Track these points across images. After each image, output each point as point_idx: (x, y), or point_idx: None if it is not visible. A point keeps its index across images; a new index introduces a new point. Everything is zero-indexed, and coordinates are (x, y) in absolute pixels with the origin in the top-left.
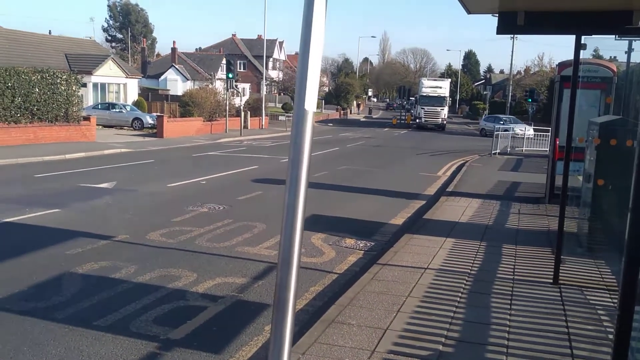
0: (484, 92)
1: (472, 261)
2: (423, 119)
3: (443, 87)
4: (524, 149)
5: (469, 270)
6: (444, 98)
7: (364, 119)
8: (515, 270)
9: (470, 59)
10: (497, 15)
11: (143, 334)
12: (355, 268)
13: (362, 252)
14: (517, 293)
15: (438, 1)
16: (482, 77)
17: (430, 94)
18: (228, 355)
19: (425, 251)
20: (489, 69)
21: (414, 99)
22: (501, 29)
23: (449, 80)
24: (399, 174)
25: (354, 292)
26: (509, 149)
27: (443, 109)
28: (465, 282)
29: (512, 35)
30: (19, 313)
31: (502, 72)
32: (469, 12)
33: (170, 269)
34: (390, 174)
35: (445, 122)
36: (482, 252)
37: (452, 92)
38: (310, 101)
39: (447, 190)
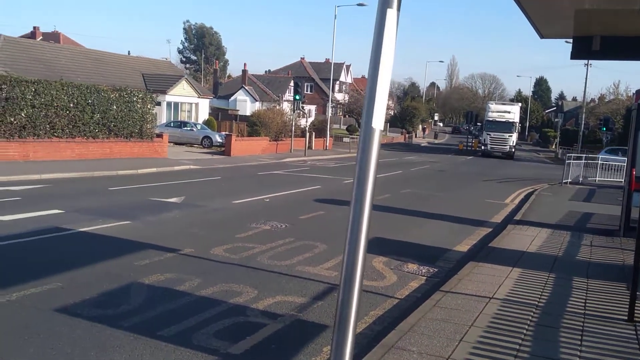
0: (555, 120)
1: (540, 293)
2: (489, 146)
3: (512, 112)
4: (596, 178)
5: (536, 302)
6: (512, 124)
7: (425, 144)
8: (587, 304)
9: (541, 85)
10: (571, 40)
11: (204, 346)
12: (417, 294)
13: (425, 278)
14: (588, 329)
15: (509, 26)
16: (554, 104)
17: (498, 119)
18: None
19: (490, 280)
20: (561, 96)
21: (480, 124)
22: (575, 54)
23: (519, 105)
24: (464, 200)
25: (415, 318)
26: (580, 179)
27: (511, 136)
28: (532, 314)
29: (586, 62)
30: (89, 319)
31: (574, 99)
32: (542, 36)
33: (232, 284)
34: (455, 199)
35: (513, 149)
36: (550, 283)
37: (522, 119)
38: (378, 119)
39: (514, 218)
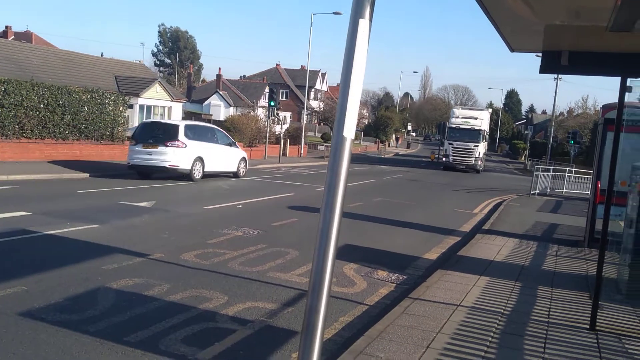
0: (525, 132)
1: (506, 301)
2: (451, 157)
3: (479, 118)
4: (564, 190)
5: (502, 310)
6: (479, 132)
7: (395, 157)
8: (551, 313)
9: (512, 97)
10: (540, 54)
11: (171, 352)
12: (386, 301)
13: (394, 285)
14: (551, 337)
15: (481, 39)
16: (524, 117)
17: (462, 126)
18: None
19: (458, 288)
20: (531, 109)
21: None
22: (544, 68)
23: (488, 111)
24: (434, 209)
25: (384, 324)
26: (548, 190)
27: (477, 146)
28: (498, 322)
29: (555, 76)
30: (53, 323)
31: (544, 112)
32: (512, 50)
33: (202, 290)
34: (426, 208)
35: (480, 162)
36: (516, 292)
37: (492, 130)
38: (349, 128)
39: (483, 228)
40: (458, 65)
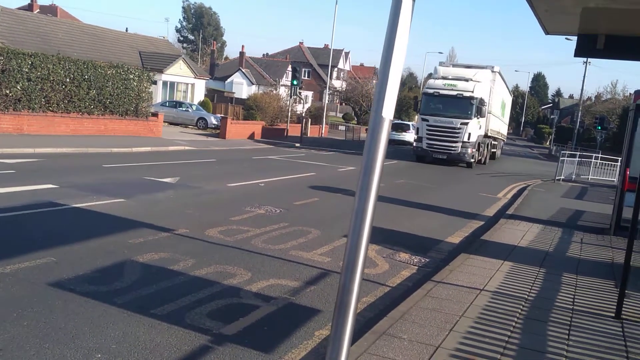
0: (551, 116)
1: (529, 287)
2: (424, 142)
3: (473, 80)
4: (589, 177)
5: (526, 296)
6: (470, 101)
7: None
8: (575, 300)
9: (538, 81)
10: (570, 37)
11: (197, 326)
12: (408, 283)
13: (416, 267)
14: (576, 324)
15: (509, 20)
16: (550, 101)
17: (443, 92)
18: (277, 356)
19: (481, 272)
20: (558, 93)
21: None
22: (579, 52)
23: (492, 70)
24: (457, 192)
25: (407, 306)
26: (573, 176)
27: (466, 124)
28: (521, 307)
29: (585, 60)
30: (82, 294)
31: (571, 97)
32: (546, 32)
33: (226, 266)
34: (449, 191)
35: (472, 149)
36: (540, 278)
37: (517, 114)
38: (388, 109)
39: (506, 212)
40: (484, 46)
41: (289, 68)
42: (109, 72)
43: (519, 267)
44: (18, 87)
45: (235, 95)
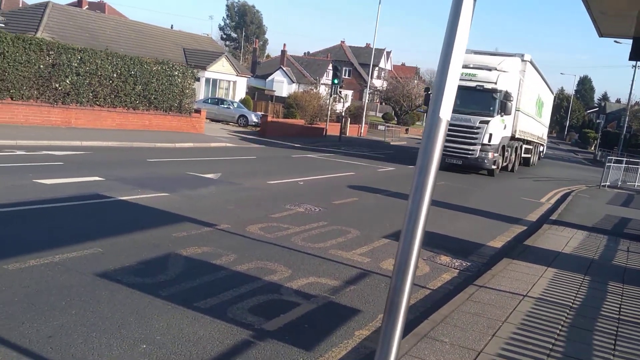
0: (597, 121)
1: (574, 294)
2: None
3: (498, 70)
4: (636, 184)
5: (570, 304)
6: (492, 95)
7: None
8: (622, 310)
9: (585, 84)
10: (620, 40)
11: (239, 320)
12: (449, 286)
13: (457, 271)
14: (622, 334)
15: (556, 21)
16: (596, 105)
17: (460, 83)
18: (318, 354)
19: (524, 278)
20: (604, 97)
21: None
22: (634, 55)
23: (516, 58)
24: (499, 195)
25: (448, 310)
26: (619, 183)
27: (487, 122)
28: (566, 315)
29: (633, 64)
30: (128, 285)
31: (618, 101)
32: (600, 34)
33: (267, 262)
34: (490, 194)
35: (494, 154)
36: (585, 286)
37: (562, 118)
38: (446, 109)
39: (550, 218)
40: (528, 47)
41: (330, 67)
42: (154, 68)
43: (563, 274)
44: (67, 82)
45: (276, 94)
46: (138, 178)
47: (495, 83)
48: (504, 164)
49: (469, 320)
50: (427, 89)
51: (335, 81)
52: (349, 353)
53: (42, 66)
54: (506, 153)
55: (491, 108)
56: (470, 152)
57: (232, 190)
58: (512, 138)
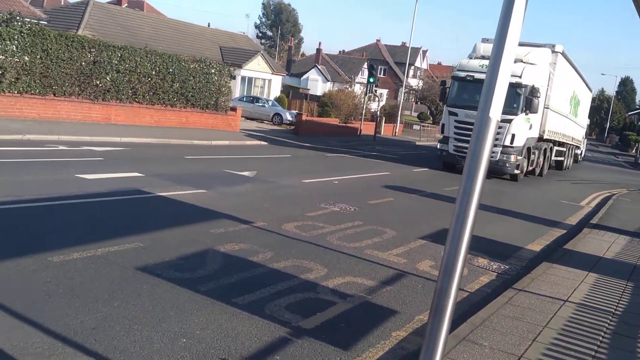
0: (638, 123)
1: (617, 301)
2: (452, 144)
3: (521, 63)
4: None
5: (613, 310)
6: (515, 90)
7: None
8: None
9: (626, 85)
10: None
11: (276, 318)
12: (487, 289)
13: (495, 274)
14: None
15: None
16: (638, 107)
17: (480, 76)
18: (355, 353)
19: (564, 282)
20: None
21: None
22: None
23: (545, 49)
24: (537, 198)
25: (487, 313)
26: None
27: (509, 122)
28: (609, 321)
29: None
30: (168, 280)
31: None
32: None
33: (303, 260)
34: (528, 197)
35: (516, 157)
36: (628, 292)
37: (602, 119)
38: (496, 109)
39: (590, 222)
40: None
41: (365, 65)
42: (191, 66)
43: (605, 279)
44: (107, 79)
45: (310, 92)
46: (176, 175)
47: (520, 77)
48: (530, 167)
49: (508, 324)
50: (443, 83)
51: (371, 80)
52: (386, 354)
53: (83, 63)
54: (532, 156)
55: (515, 105)
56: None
57: (268, 188)
58: (540, 139)
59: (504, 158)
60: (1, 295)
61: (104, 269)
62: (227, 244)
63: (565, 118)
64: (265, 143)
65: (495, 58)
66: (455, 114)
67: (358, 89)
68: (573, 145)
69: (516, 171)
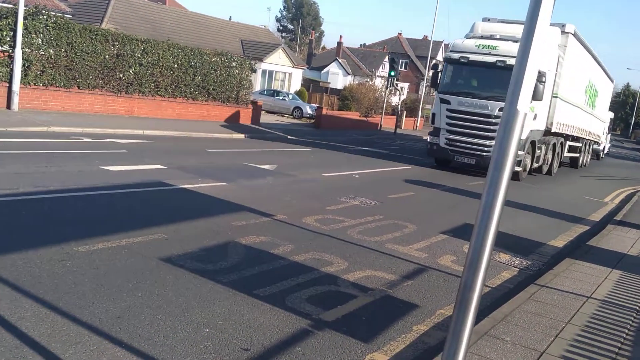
0: None
1: None
2: (443, 137)
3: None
4: None
5: (638, 307)
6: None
7: None
8: None
9: None
10: None
11: (297, 310)
12: (509, 285)
13: (517, 269)
14: None
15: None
16: None
17: (476, 58)
18: (376, 346)
19: (588, 279)
20: None
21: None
22: None
23: (554, 28)
24: (560, 193)
25: (509, 308)
26: None
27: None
28: (633, 319)
29: None
30: (191, 270)
31: None
32: None
33: (323, 254)
34: (551, 192)
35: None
36: None
37: (627, 115)
38: (524, 102)
39: (614, 218)
40: (596, 41)
41: (386, 59)
42: (213, 59)
43: (630, 276)
44: (130, 72)
45: (331, 86)
46: (198, 167)
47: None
48: (536, 164)
49: (530, 319)
50: (434, 66)
51: (392, 73)
52: (406, 347)
53: (107, 56)
54: (538, 151)
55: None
56: (486, 148)
57: (288, 182)
58: (548, 132)
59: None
60: (29, 283)
61: (128, 259)
62: (248, 236)
63: (580, 110)
64: (286, 136)
65: (524, 49)
66: (448, 102)
67: (379, 82)
68: (591, 140)
69: (517, 168)
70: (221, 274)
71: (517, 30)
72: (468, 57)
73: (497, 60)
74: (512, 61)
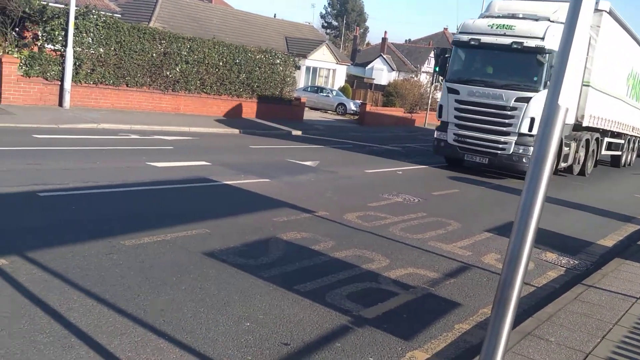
0: None
1: None
2: (450, 133)
3: (544, 21)
4: None
5: None
6: (534, 57)
7: None
8: None
9: None
10: None
11: (337, 306)
12: (555, 284)
13: (564, 269)
14: None
15: None
16: None
17: (488, 40)
18: (417, 344)
19: (637, 279)
20: None
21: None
22: None
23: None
24: (610, 191)
25: (554, 308)
26: None
27: (527, 102)
28: None
29: None
30: (233, 265)
31: None
32: None
33: (365, 251)
34: (600, 190)
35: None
36: None
37: None
38: (566, 96)
39: None
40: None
41: (432, 54)
42: (257, 56)
43: None
44: (177, 70)
45: (375, 82)
46: (241, 164)
47: (542, 39)
48: (564, 164)
49: (576, 320)
50: (442, 51)
51: (437, 69)
52: (448, 346)
53: (154, 55)
54: (566, 148)
55: (535, 78)
56: (500, 145)
57: (330, 178)
58: (579, 127)
59: (520, 151)
60: (78, 275)
61: (172, 253)
62: (290, 232)
63: (620, 101)
64: (329, 132)
65: (564, 48)
66: (456, 92)
67: (424, 78)
68: (636, 136)
69: (527, 163)
70: (262, 269)
71: (533, 7)
72: (479, 39)
73: (514, 42)
74: (530, 42)
